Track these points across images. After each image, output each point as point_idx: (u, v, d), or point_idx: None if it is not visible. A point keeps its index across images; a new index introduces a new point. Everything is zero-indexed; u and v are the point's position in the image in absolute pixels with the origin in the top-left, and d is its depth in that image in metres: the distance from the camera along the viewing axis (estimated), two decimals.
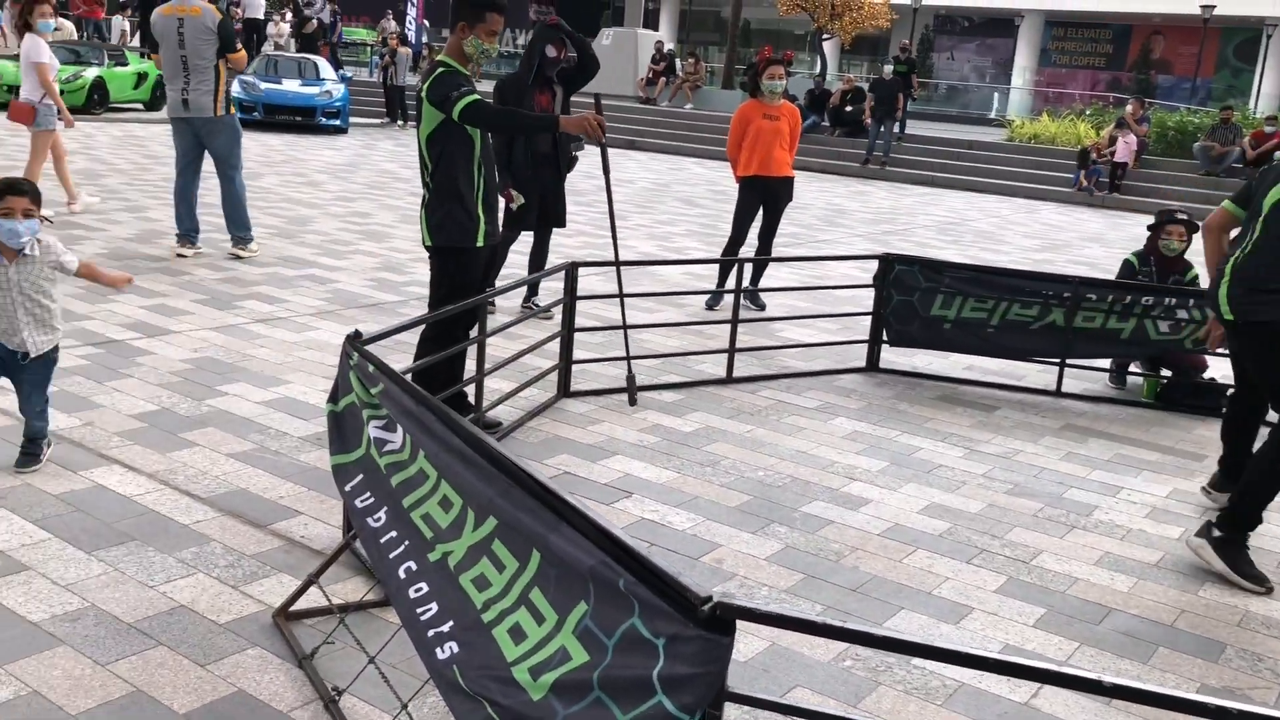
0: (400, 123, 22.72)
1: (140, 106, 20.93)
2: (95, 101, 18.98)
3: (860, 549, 4.15)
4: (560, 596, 2.20)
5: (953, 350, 6.69)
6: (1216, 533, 4.17)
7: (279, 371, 5.73)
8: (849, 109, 21.83)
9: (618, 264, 5.44)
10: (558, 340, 5.72)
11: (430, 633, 2.42)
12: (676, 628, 1.92)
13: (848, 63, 38.66)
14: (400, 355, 5.40)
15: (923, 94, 32.29)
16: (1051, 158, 20.28)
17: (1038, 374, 6.77)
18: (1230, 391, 4.99)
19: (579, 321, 5.82)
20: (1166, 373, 6.60)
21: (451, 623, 2.40)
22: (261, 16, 25.15)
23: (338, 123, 20.25)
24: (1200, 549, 4.19)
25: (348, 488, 3.04)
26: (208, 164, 8.45)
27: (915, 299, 6.51)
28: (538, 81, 6.77)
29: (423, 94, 4.64)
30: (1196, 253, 5.84)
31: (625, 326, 4.99)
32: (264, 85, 19.59)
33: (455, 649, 2.34)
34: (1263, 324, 4.14)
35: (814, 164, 20.16)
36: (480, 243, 4.79)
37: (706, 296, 8.03)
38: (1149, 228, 6.81)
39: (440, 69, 4.66)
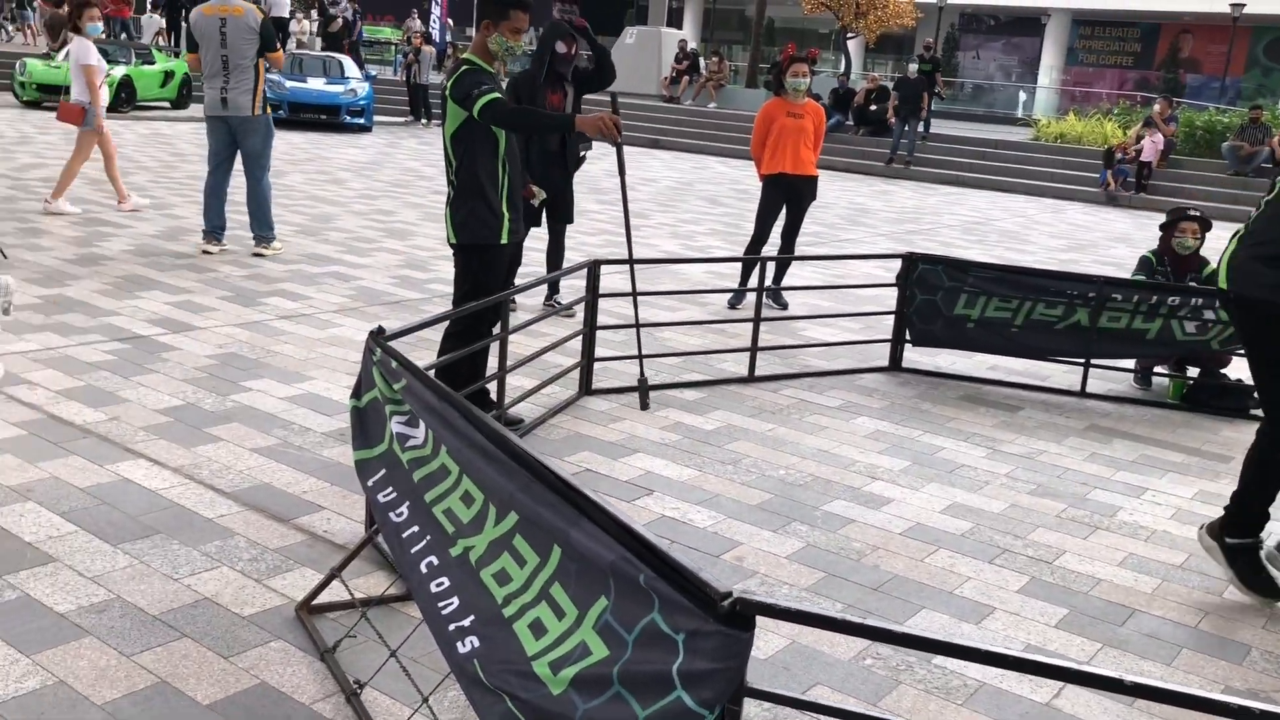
0: (424, 121, 22.81)
1: (167, 105, 21.09)
2: (122, 100, 19.13)
3: (882, 548, 4.14)
4: (581, 591, 2.20)
5: (976, 350, 6.66)
6: (1228, 540, 3.98)
7: (302, 368, 5.77)
8: (873, 108, 21.76)
9: (631, 262, 5.45)
10: (580, 338, 5.73)
11: (451, 627, 2.43)
12: (696, 623, 1.92)
13: (872, 61, 38.51)
14: (423, 352, 5.42)
15: (948, 93, 32.12)
16: (1078, 157, 20.14)
17: (1062, 374, 6.73)
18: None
19: (601, 319, 5.83)
20: (1193, 372, 6.55)
21: (472, 617, 2.42)
22: (287, 15, 25.32)
23: (362, 121, 20.36)
24: (1212, 551, 4.04)
25: (370, 482, 3.06)
26: (237, 162, 8.52)
27: (939, 298, 6.48)
28: (549, 79, 6.78)
29: (447, 92, 4.66)
30: (1211, 251, 5.78)
31: (638, 325, 4.98)
32: (289, 84, 19.71)
33: (476, 643, 2.35)
34: (1259, 302, 3.76)
35: (838, 163, 20.10)
36: (504, 240, 4.81)
37: (729, 295, 8.02)
38: (1161, 227, 6.74)
39: (464, 67, 4.68)
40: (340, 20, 24.63)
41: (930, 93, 21.02)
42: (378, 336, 3.27)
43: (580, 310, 5.91)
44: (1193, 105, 24.65)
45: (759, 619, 1.88)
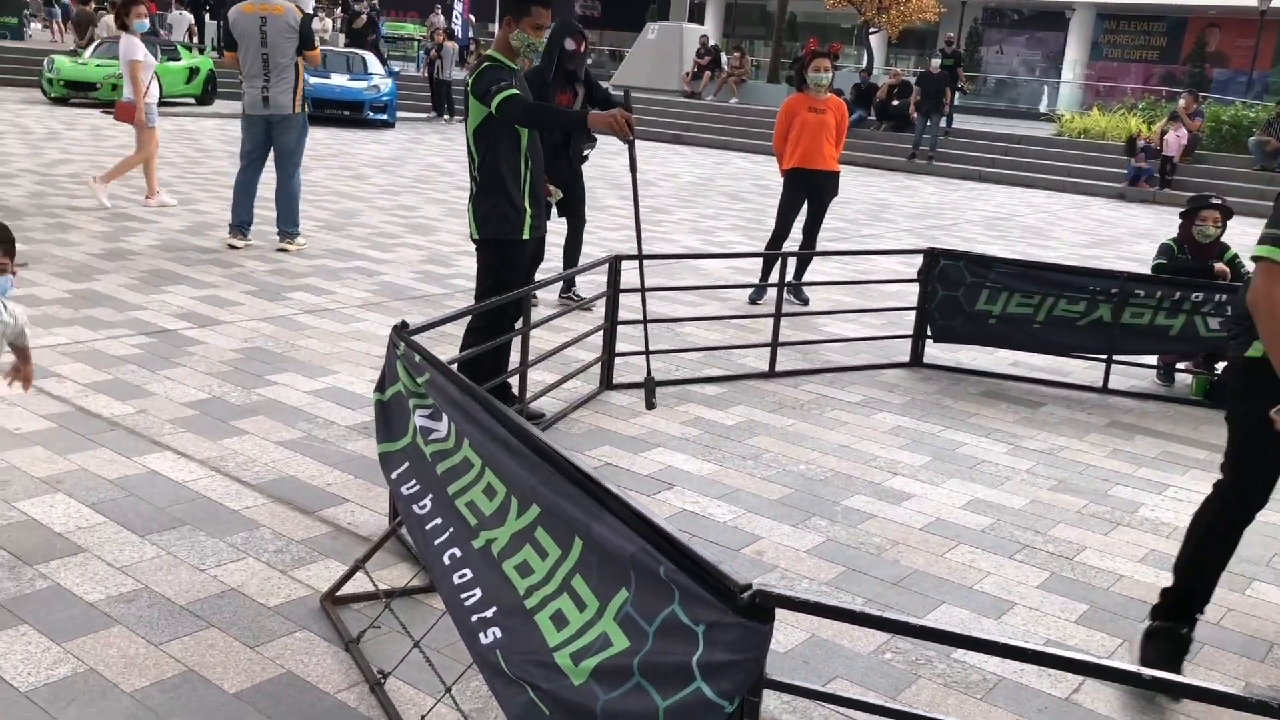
0: (446, 117, 22.89)
1: (192, 101, 21.24)
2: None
3: (902, 543, 4.15)
4: (602, 583, 2.23)
5: (998, 346, 6.65)
6: (1149, 622, 3.40)
7: (327, 362, 5.82)
8: (895, 103, 21.68)
9: (640, 257, 5.47)
10: (600, 333, 5.76)
11: (474, 618, 2.46)
12: (716, 615, 1.94)
13: (894, 56, 38.36)
14: (445, 347, 5.46)
15: (971, 88, 31.97)
16: (1102, 153, 20.01)
17: (1084, 370, 6.71)
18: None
19: (621, 314, 5.85)
20: (1219, 367, 6.51)
21: (495, 608, 2.44)
22: (310, 11, 25.43)
23: (385, 117, 20.44)
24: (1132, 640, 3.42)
25: (394, 475, 3.10)
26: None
27: (960, 294, 6.47)
28: (559, 78, 6.80)
29: (469, 88, 4.70)
30: (1231, 238, 5.73)
31: (645, 321, 4.98)
32: (312, 80, 19.78)
33: (498, 634, 2.38)
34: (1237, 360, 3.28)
35: (859, 158, 20.04)
36: (526, 235, 4.84)
37: (750, 290, 8.03)
38: (1182, 214, 6.65)
39: (486, 63, 4.71)
40: (365, 16, 24.75)
41: (952, 88, 20.92)
42: (401, 331, 3.30)
43: (601, 305, 5.94)
44: (1219, 100, 24.45)
45: (779, 613, 1.89)
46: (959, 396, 6.13)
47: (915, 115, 20.47)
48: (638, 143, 4.98)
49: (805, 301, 8.05)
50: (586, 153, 7.29)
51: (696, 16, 39.69)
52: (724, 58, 27.36)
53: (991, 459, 5.15)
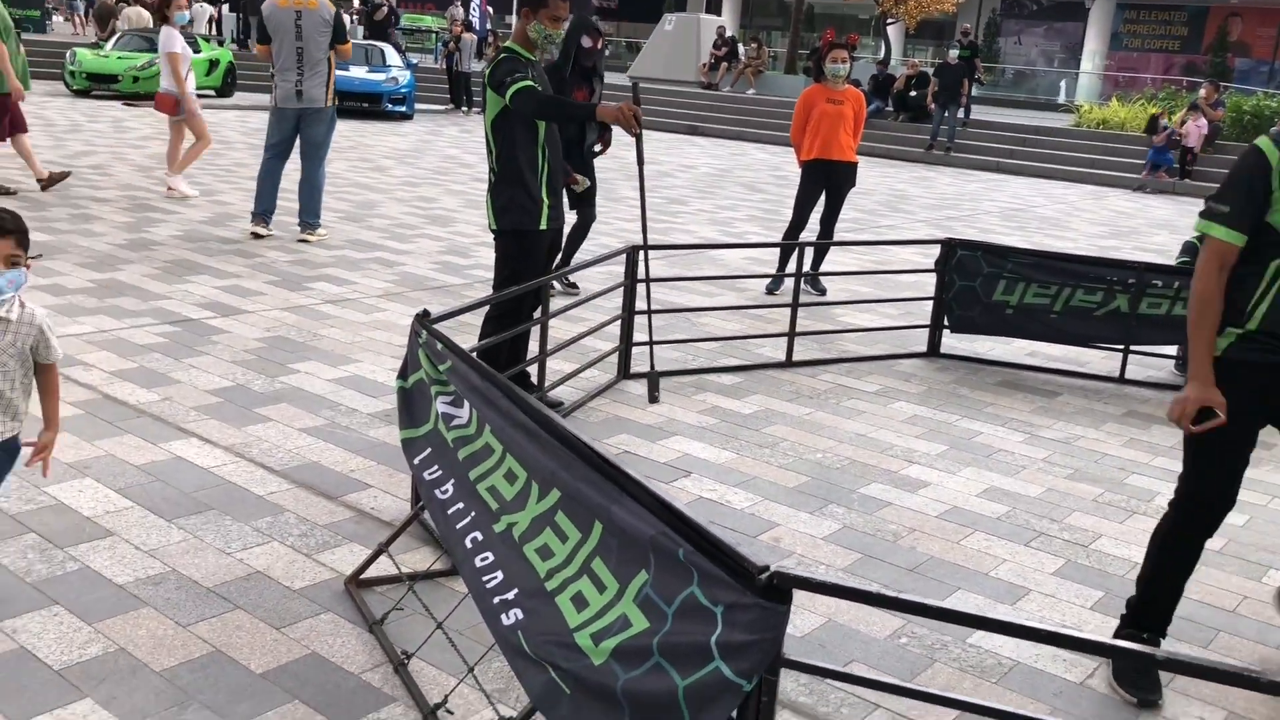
0: (464, 109, 22.94)
1: (212, 93, 21.35)
2: None
3: (918, 530, 4.18)
4: (621, 566, 2.27)
5: (1015, 336, 6.65)
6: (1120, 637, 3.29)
7: (348, 351, 5.88)
8: (913, 94, 21.61)
9: (645, 248, 5.51)
10: (618, 323, 5.79)
11: (496, 599, 2.50)
12: (735, 596, 1.97)
13: (912, 47, 38.16)
14: (464, 336, 5.51)
15: (989, 79, 31.81)
16: (1120, 143, 19.90)
17: (1101, 360, 6.71)
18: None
19: (639, 305, 5.89)
20: None
21: (516, 590, 2.49)
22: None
23: (403, 109, 20.51)
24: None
25: (416, 461, 3.14)
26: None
27: (978, 284, 6.48)
28: (575, 74, 6.83)
29: (486, 79, 4.75)
30: None
31: (650, 311, 5.01)
32: None
33: (520, 615, 2.42)
34: None
35: (877, 149, 19.99)
36: (544, 226, 4.88)
37: (767, 281, 8.05)
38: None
39: (503, 54, 4.75)
40: (385, 8, 24.82)
41: (970, 79, 20.83)
42: (424, 319, 3.35)
43: (618, 296, 5.97)
44: (1240, 90, 24.26)
45: (795, 597, 1.93)
46: (976, 386, 6.15)
47: (933, 106, 20.41)
48: (646, 134, 5.01)
49: (822, 292, 8.06)
50: (597, 148, 7.32)
51: (713, 8, 39.58)
52: (741, 49, 27.31)
53: (1008, 448, 5.17)
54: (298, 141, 8.54)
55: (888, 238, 11.17)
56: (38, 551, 3.47)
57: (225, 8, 29.98)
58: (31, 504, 3.78)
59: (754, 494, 4.40)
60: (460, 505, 2.85)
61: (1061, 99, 32.11)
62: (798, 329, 6.35)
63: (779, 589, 1.92)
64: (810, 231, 8.16)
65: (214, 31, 27.01)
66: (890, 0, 29.81)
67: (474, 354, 3.50)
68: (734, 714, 2.02)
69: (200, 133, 10.24)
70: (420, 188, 12.25)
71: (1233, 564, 4.12)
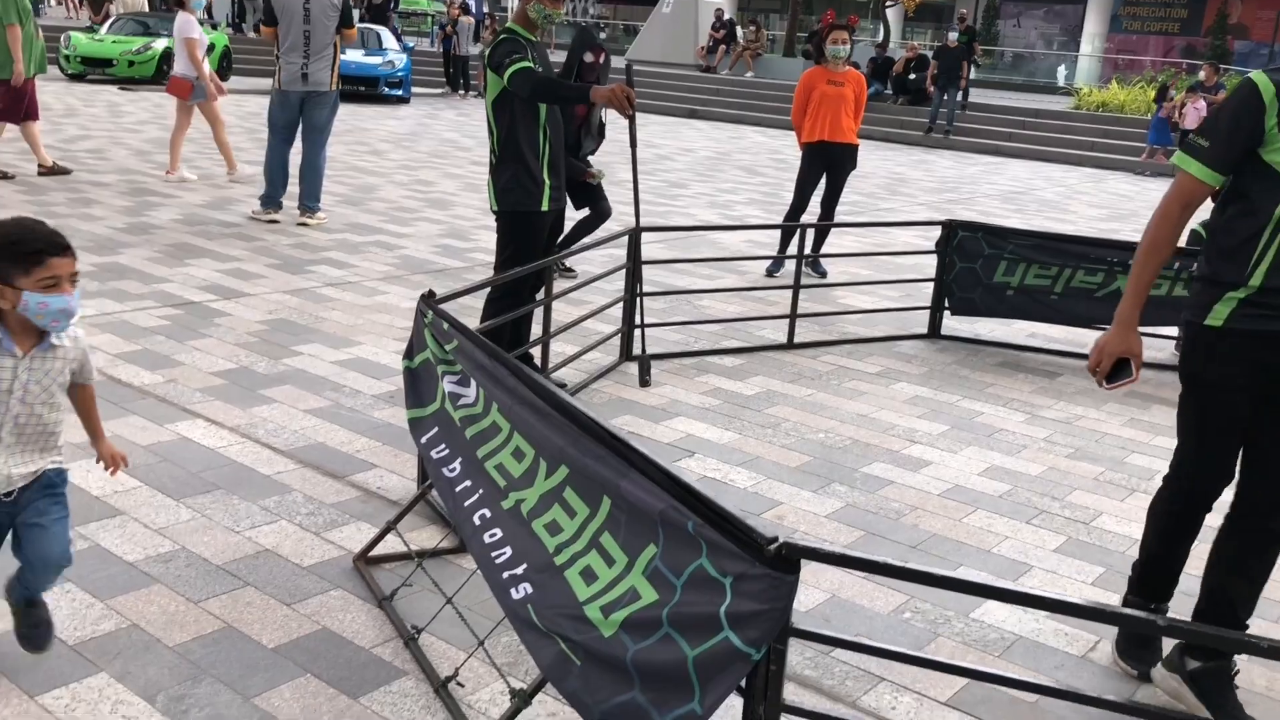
0: (461, 92, 22.89)
1: None
2: (164, 72, 19.32)
3: (920, 508, 4.21)
4: (630, 539, 2.29)
5: (1016, 317, 6.67)
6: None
7: (350, 333, 5.90)
8: (912, 77, 21.58)
9: (637, 230, 5.54)
10: (621, 305, 5.81)
11: (505, 574, 2.53)
12: (743, 567, 2.00)
13: (911, 30, 38.05)
14: (466, 318, 5.51)
15: (988, 62, 31.72)
16: (1120, 126, 19.90)
17: None
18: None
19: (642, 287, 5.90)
20: None
21: (525, 565, 2.51)
22: None
23: (400, 93, 20.47)
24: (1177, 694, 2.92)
25: (423, 440, 3.17)
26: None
27: (978, 266, 6.50)
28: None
29: (485, 60, 4.76)
30: None
31: (642, 294, 5.01)
32: None
33: (529, 589, 2.45)
34: None
35: (876, 133, 19.98)
36: (545, 207, 4.89)
37: (768, 263, 8.07)
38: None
39: (503, 35, 4.77)
40: None
41: (969, 61, 20.80)
42: (429, 299, 3.37)
43: (621, 278, 5.99)
44: (1240, 72, 24.22)
45: (803, 568, 1.96)
46: (976, 367, 6.17)
47: (932, 89, 20.39)
48: (640, 117, 5.03)
49: (823, 274, 8.08)
50: (592, 149, 7.31)
51: None
52: (739, 31, 27.23)
53: (1009, 428, 5.20)
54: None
55: (888, 220, 11.18)
56: None
57: None
58: None
59: (757, 473, 4.43)
60: (468, 483, 2.87)
61: (1061, 82, 32.05)
62: (799, 311, 6.37)
63: (788, 559, 1.95)
64: (811, 214, 8.18)
65: (208, 16, 26.89)
66: None
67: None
68: (742, 683, 2.06)
69: (216, 116, 10.26)
70: (418, 171, 12.24)
71: None
